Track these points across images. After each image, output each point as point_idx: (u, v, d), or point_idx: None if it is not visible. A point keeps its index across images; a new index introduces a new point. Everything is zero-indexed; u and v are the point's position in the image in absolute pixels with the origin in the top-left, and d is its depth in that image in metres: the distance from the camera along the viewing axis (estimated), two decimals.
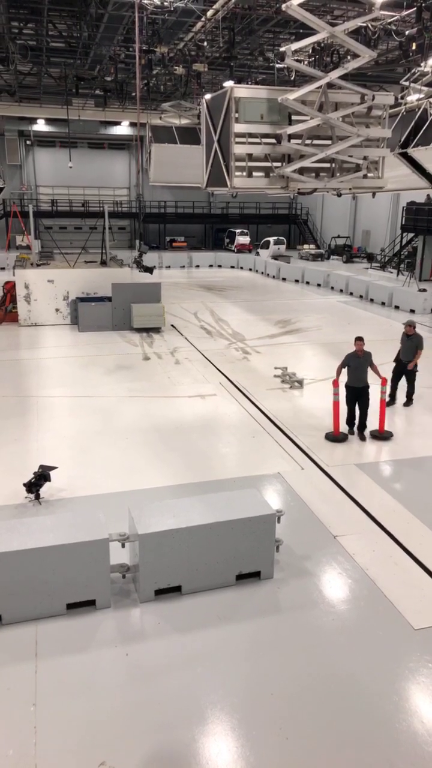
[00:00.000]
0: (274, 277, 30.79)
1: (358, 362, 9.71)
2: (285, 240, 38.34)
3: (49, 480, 7.69)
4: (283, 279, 29.95)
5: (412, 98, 16.24)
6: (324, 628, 5.53)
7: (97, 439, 9.81)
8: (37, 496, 7.58)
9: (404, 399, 11.41)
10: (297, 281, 29.13)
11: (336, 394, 9.65)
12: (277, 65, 19.87)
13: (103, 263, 20.01)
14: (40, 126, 40.51)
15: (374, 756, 4.28)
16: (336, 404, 9.69)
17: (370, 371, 9.75)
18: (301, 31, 19.47)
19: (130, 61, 23.86)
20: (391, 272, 30.92)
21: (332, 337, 17.43)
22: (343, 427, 9.90)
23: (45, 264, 20.18)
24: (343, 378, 9.94)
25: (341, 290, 25.73)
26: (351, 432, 9.94)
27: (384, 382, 9.95)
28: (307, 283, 28.53)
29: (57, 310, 18.38)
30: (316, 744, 4.38)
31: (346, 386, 9.84)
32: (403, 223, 31.51)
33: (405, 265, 30.95)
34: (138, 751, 4.29)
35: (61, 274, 18.38)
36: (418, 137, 15.09)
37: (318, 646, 5.31)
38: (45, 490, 7.66)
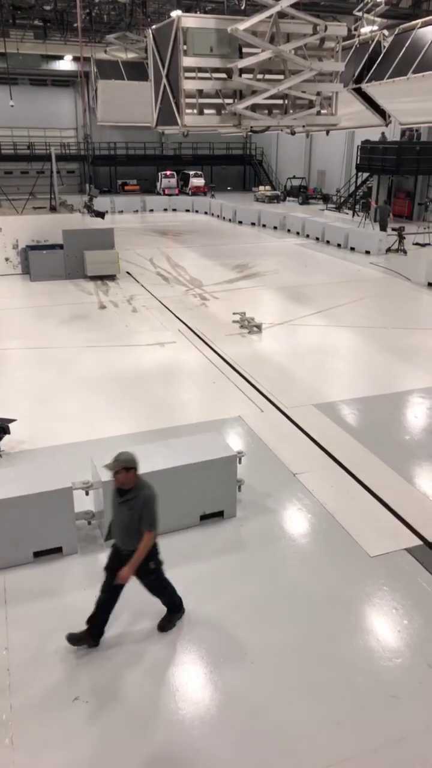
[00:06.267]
0: (230, 220, 30.30)
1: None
2: (176, 174, 39.33)
3: (9, 433, 7.62)
4: (240, 222, 29.51)
5: (366, 30, 15.74)
6: (286, 561, 5.78)
7: (55, 390, 9.71)
8: None
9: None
10: (253, 224, 28.77)
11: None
12: None
13: (53, 209, 19.27)
14: None
15: (335, 673, 4.58)
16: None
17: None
18: None
19: None
20: (347, 213, 30.81)
21: (289, 280, 17.43)
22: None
23: None
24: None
25: (297, 233, 25.56)
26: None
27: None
28: (264, 226, 28.22)
29: (7, 259, 17.74)
30: (280, 666, 4.65)
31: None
32: (358, 163, 31.23)
33: (360, 206, 30.84)
34: (110, 685, 4.47)
35: (8, 221, 17.63)
36: (371, 72, 14.72)
37: (281, 577, 5.56)
38: (5, 442, 7.61)
